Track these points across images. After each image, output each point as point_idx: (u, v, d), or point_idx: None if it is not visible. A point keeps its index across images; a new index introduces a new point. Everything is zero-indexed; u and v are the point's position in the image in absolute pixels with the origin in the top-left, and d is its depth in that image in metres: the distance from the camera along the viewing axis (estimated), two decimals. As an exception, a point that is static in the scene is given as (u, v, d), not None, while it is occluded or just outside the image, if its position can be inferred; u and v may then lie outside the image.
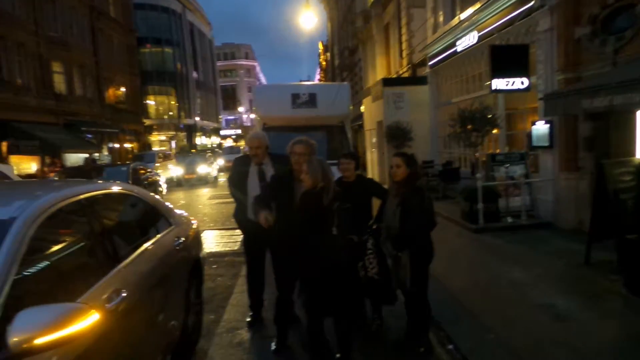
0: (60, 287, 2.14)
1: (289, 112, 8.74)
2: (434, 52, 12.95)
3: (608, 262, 5.12)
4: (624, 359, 3.37)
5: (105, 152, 28.17)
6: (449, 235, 7.29)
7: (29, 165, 20.49)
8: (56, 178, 13.07)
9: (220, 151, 36.85)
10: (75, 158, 23.23)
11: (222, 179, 22.48)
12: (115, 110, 30.86)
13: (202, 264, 4.22)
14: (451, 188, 10.98)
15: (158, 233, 3.37)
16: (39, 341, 1.57)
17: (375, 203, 3.80)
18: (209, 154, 28.69)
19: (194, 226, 4.28)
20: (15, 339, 1.54)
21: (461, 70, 11.75)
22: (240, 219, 4.25)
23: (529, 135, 8.24)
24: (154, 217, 3.54)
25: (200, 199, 15.66)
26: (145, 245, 3.04)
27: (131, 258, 2.74)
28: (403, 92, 13.84)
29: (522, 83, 8.15)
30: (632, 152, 6.35)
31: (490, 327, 3.83)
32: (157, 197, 3.98)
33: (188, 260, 3.73)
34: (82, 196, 2.64)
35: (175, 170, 21.56)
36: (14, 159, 19.88)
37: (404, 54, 16.35)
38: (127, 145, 32.84)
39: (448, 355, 3.49)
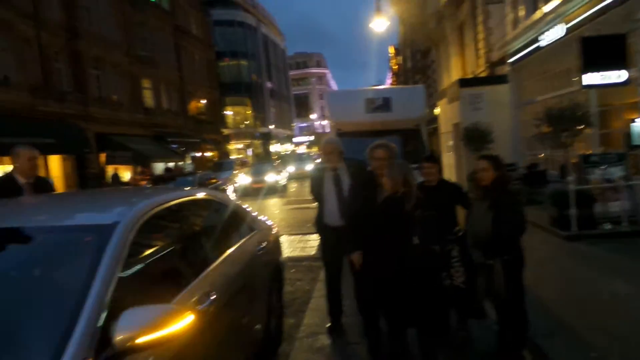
0: (155, 288, 2.25)
1: (363, 117, 8.69)
2: (515, 48, 12.25)
3: None
4: None
5: (189, 161, 30.01)
6: (536, 243, 6.78)
7: (123, 174, 22.42)
8: (148, 186, 14.12)
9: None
10: (161, 167, 25.05)
11: (295, 186, 22.30)
12: (197, 121, 32.79)
13: (282, 268, 4.28)
14: (537, 192, 10.26)
15: (241, 238, 3.48)
16: (141, 340, 1.65)
17: (460, 209, 3.62)
18: (278, 161, 28.47)
19: (274, 231, 4.37)
20: (120, 337, 1.62)
21: (546, 66, 10.99)
22: (318, 224, 4.27)
23: (628, 134, 7.48)
24: (237, 222, 3.66)
25: (274, 205, 16.06)
26: (230, 249, 3.14)
27: (218, 262, 2.83)
28: (481, 92, 13.21)
29: (619, 76, 7.44)
30: None
31: (591, 343, 3.48)
32: (240, 203, 4.11)
33: (269, 264, 3.81)
34: (172, 202, 2.77)
35: (243, 179, 20.80)
36: (110, 168, 21.89)
37: (481, 52, 15.64)
38: (208, 153, 34.72)
39: (543, 373, 3.22)
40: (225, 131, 41.67)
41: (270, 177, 20.70)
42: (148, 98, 26.91)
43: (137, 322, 1.65)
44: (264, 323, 3.42)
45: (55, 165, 18.93)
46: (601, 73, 7.46)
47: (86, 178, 19.35)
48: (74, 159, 19.76)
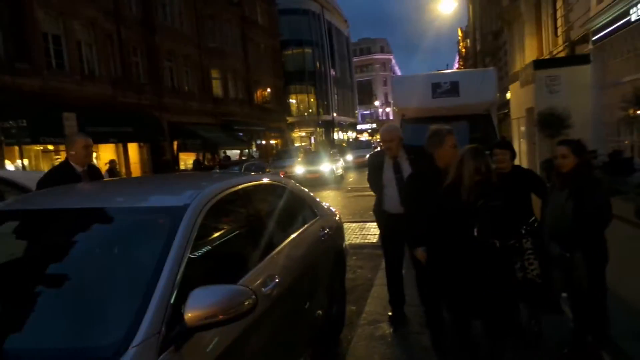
0: (222, 269, 2.33)
1: (429, 102, 8.39)
2: (600, 25, 11.21)
3: None
4: None
5: (254, 148, 30.88)
6: (620, 236, 6.20)
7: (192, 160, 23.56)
8: (217, 171, 14.73)
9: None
10: (228, 154, 25.97)
11: (352, 176, 21.71)
12: (262, 109, 33.56)
13: (345, 254, 4.28)
14: (621, 182, 9.42)
15: (305, 223, 3.51)
16: (208, 318, 1.70)
17: (535, 199, 3.39)
18: (334, 150, 26.89)
19: (337, 217, 4.37)
20: (190, 314, 1.69)
21: (636, 43, 9.98)
22: (377, 212, 4.20)
23: None
24: (301, 207, 3.69)
25: (334, 193, 16.09)
26: (295, 234, 3.18)
27: (282, 245, 2.88)
28: (559, 74, 12.28)
29: None
30: None
31: (684, 349, 3.16)
32: (303, 188, 4.14)
33: (332, 250, 3.82)
34: (239, 187, 2.84)
35: (297, 168, 19.96)
36: (182, 155, 23.12)
37: (560, 31, 14.54)
38: (272, 141, 35.49)
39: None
40: (289, 119, 42.27)
41: (325, 167, 19.88)
42: (216, 88, 27.90)
43: (206, 301, 1.70)
44: (325, 309, 3.45)
45: (133, 152, 20.29)
46: (703, 49, 6.63)
47: (160, 164, 20.57)
48: (149, 147, 21.04)
